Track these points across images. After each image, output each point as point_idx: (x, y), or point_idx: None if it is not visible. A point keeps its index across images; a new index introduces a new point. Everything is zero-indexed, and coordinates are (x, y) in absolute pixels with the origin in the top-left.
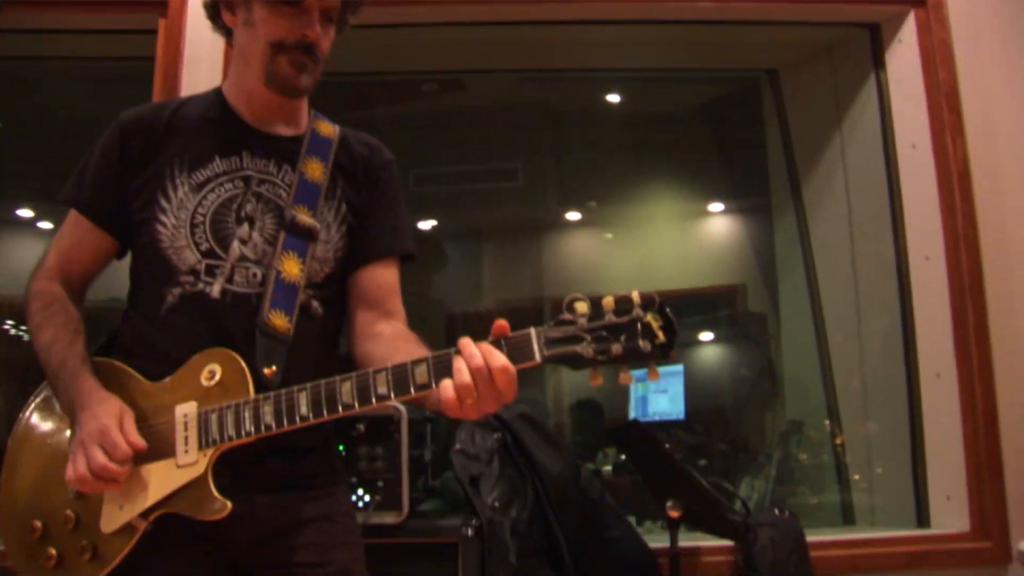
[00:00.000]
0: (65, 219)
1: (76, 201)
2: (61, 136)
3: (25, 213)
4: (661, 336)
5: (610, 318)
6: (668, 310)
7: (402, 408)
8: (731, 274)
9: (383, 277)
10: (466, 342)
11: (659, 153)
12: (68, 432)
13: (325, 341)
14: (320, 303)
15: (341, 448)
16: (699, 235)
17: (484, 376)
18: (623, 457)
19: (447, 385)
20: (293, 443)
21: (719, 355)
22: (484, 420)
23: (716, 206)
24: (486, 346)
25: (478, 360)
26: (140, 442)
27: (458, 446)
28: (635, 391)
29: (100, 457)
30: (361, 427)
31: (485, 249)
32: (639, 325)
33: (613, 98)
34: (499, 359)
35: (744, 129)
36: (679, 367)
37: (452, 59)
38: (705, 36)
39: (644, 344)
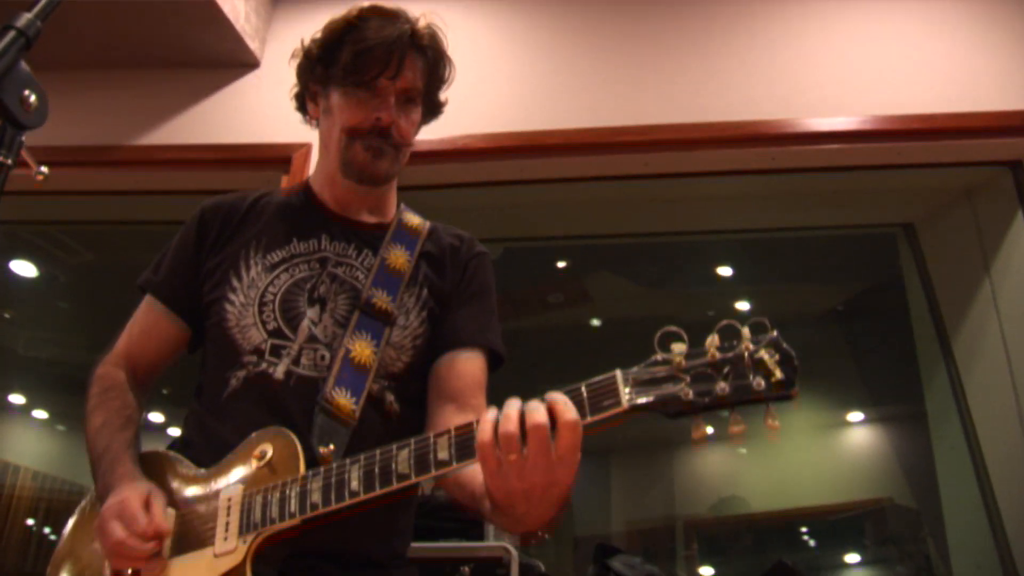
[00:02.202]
0: (139, 305)
1: (150, 284)
2: None
3: None
4: (777, 372)
5: (713, 354)
6: (784, 342)
7: (513, 550)
8: (874, 487)
9: (466, 367)
10: (535, 401)
11: None
12: None
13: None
14: (396, 399)
15: None
16: (838, 447)
17: (542, 434)
18: None
19: (485, 431)
20: (355, 551)
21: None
22: None
23: (855, 415)
24: (556, 396)
25: (539, 416)
26: (163, 523)
27: None
28: None
29: (119, 531)
30: (466, 569)
31: (614, 468)
32: (749, 359)
33: (742, 305)
34: (569, 413)
35: (879, 331)
36: None
37: (564, 222)
38: (833, 187)
39: (757, 382)
